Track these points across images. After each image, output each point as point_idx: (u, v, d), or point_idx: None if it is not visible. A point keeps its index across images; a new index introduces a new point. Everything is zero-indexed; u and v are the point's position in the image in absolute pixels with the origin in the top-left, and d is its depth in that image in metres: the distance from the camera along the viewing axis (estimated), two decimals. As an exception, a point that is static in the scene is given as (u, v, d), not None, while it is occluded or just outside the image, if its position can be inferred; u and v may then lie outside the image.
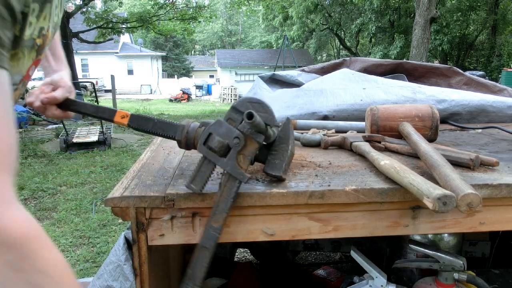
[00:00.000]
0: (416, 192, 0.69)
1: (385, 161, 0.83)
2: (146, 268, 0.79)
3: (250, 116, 0.70)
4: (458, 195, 0.64)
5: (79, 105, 0.92)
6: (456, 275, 1.14)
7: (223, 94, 24.36)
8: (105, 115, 0.89)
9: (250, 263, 2.08)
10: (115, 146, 6.50)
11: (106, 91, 23.12)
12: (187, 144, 0.82)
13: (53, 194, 4.15)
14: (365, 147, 0.97)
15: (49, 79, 0.92)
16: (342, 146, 1.10)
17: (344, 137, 1.09)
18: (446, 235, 1.36)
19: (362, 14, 21.93)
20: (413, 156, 0.98)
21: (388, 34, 21.92)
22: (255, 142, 0.74)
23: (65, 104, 0.91)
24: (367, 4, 20.55)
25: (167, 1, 13.87)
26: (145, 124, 0.86)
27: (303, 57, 27.69)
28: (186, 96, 22.42)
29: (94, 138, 6.21)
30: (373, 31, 21.54)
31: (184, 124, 0.82)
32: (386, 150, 1.04)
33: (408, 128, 1.05)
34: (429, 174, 0.81)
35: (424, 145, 0.89)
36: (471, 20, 19.70)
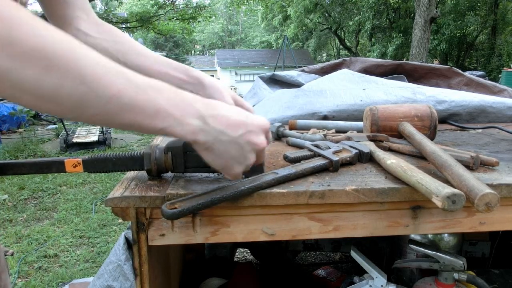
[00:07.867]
0: (424, 191, 0.69)
1: (391, 160, 0.83)
2: (146, 268, 0.79)
3: None
4: (477, 195, 0.64)
5: (15, 167, 0.80)
6: (456, 275, 1.14)
7: (223, 94, 24.33)
8: (52, 170, 0.82)
9: (250, 263, 2.08)
10: (115, 146, 6.50)
11: (106, 91, 23.07)
12: (158, 171, 0.81)
13: (53, 194, 4.15)
14: (371, 146, 0.97)
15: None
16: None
17: (348, 136, 1.09)
18: (446, 235, 1.36)
19: (360, 12, 21.94)
20: (414, 155, 0.98)
21: (388, 33, 21.92)
22: None
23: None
24: (364, 1, 20.55)
25: (167, 1, 13.85)
26: (104, 166, 0.81)
27: (303, 57, 27.70)
28: (186, 96, 22.46)
29: (94, 138, 6.22)
30: (369, 30, 21.52)
31: (150, 152, 0.80)
32: (389, 150, 1.04)
33: (410, 128, 1.05)
34: (434, 173, 0.81)
35: (430, 145, 0.89)
36: (470, 22, 19.68)
